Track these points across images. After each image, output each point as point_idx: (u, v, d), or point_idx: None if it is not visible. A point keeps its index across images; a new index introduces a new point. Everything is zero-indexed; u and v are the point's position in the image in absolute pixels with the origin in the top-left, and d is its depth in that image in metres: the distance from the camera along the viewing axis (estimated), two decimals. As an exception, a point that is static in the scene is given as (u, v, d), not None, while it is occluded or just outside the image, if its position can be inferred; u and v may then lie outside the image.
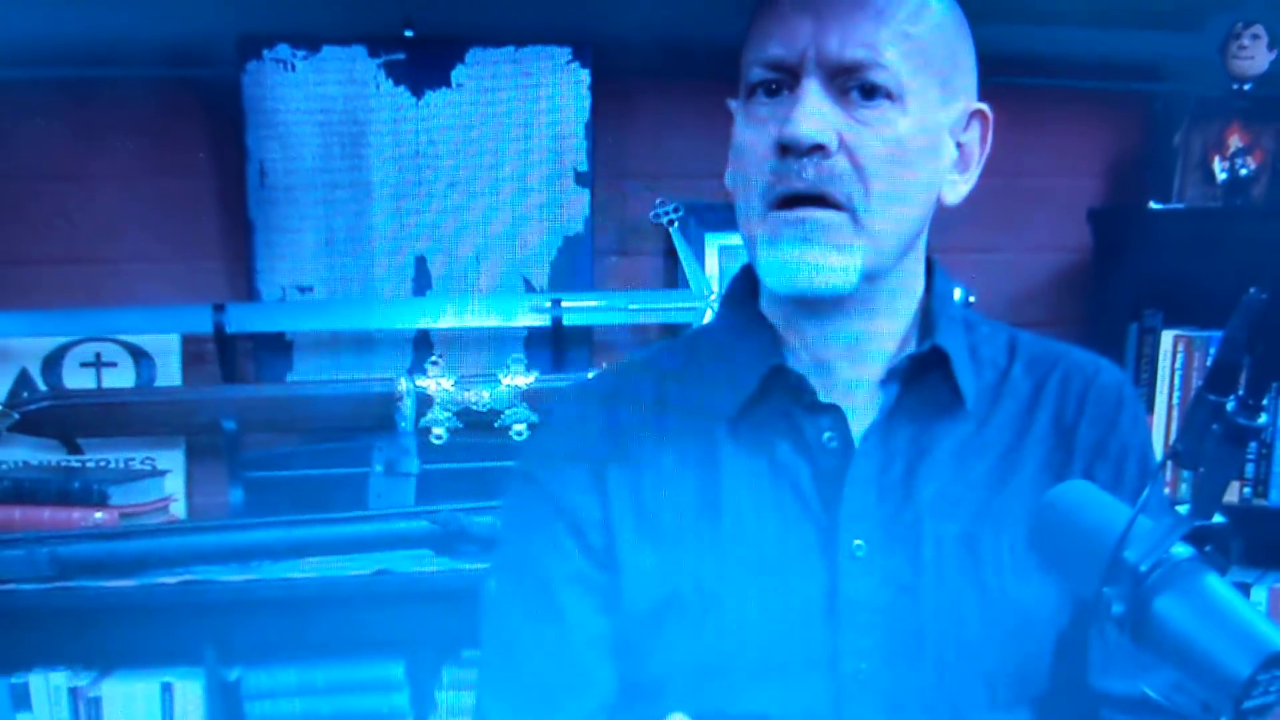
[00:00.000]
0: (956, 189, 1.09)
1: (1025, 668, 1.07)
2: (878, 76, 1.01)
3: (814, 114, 1.00)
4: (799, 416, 1.09)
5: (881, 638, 1.05)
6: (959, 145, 1.08)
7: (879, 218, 1.03)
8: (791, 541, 1.07)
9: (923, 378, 1.09)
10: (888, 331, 1.10)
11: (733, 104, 1.10)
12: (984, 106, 1.10)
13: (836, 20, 1.00)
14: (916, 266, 1.11)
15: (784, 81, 1.03)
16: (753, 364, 1.09)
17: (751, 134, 1.04)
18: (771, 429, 1.09)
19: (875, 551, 1.05)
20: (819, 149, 1.00)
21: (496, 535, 2.03)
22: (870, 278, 1.05)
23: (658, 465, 1.10)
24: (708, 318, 2.38)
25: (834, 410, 1.08)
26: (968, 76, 1.08)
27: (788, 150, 1.01)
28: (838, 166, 1.01)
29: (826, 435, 1.08)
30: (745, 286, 1.16)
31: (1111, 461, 1.10)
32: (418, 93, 2.34)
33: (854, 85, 1.01)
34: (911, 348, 1.10)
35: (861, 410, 1.09)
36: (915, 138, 1.03)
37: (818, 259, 1.02)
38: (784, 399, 1.09)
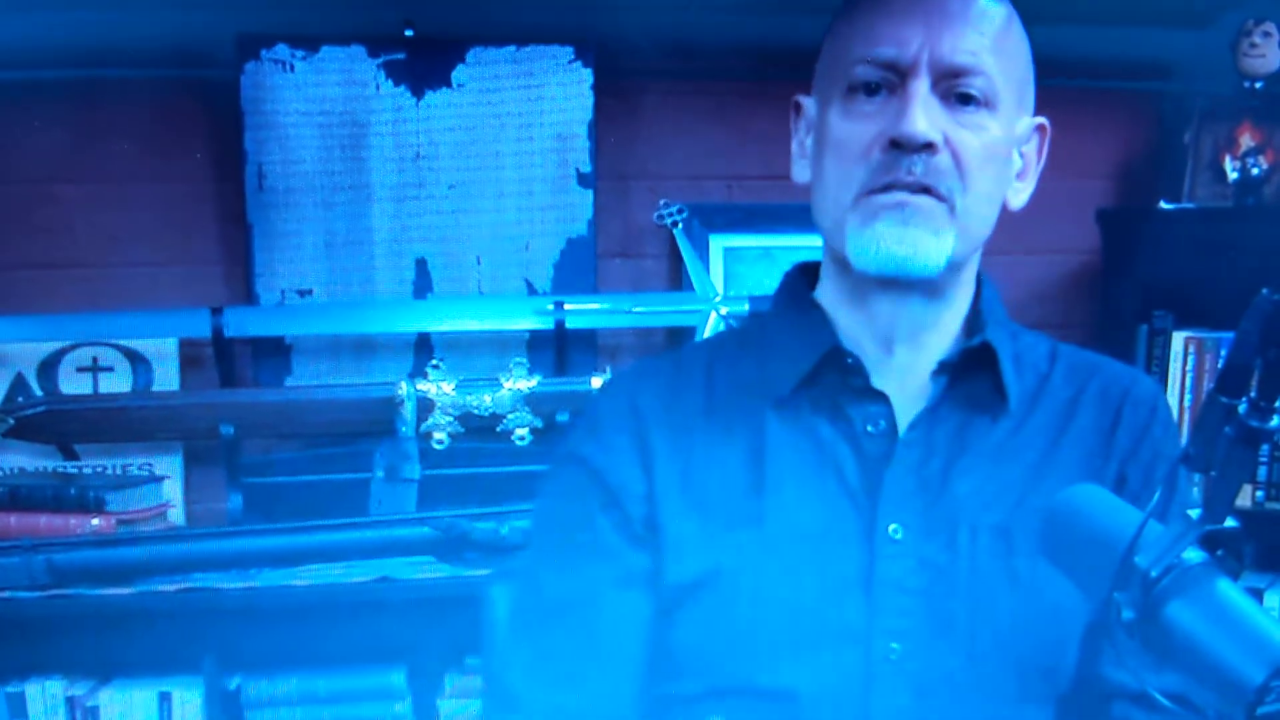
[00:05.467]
0: (1020, 195, 1.16)
1: (1054, 662, 1.09)
2: (979, 83, 1.07)
3: (926, 114, 1.05)
4: (847, 402, 1.13)
5: (915, 620, 1.07)
6: (1021, 155, 1.15)
7: (971, 212, 1.09)
8: (831, 522, 1.10)
9: (970, 374, 1.14)
10: (947, 324, 1.15)
11: (805, 100, 1.17)
12: (1044, 120, 1.16)
13: (946, 28, 1.06)
14: (975, 267, 1.17)
15: (889, 82, 1.07)
16: (808, 346, 1.14)
17: (852, 129, 1.09)
18: (819, 412, 1.13)
19: (912, 536, 1.09)
20: (929, 147, 1.06)
21: (502, 540, 2.03)
22: (952, 267, 1.10)
23: (705, 442, 1.14)
24: (712, 320, 2.38)
25: (882, 398, 1.13)
26: (1031, 91, 1.15)
27: (899, 146, 1.06)
28: (942, 164, 1.07)
29: (873, 422, 1.12)
30: (799, 281, 1.21)
31: (1143, 467, 1.14)
32: (418, 93, 2.34)
33: (957, 90, 1.07)
34: (962, 344, 1.15)
35: (909, 400, 1.13)
36: (1001, 142, 1.10)
37: (914, 240, 1.07)
38: (835, 383, 1.13)
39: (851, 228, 1.08)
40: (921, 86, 1.05)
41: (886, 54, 1.06)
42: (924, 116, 1.05)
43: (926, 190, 1.06)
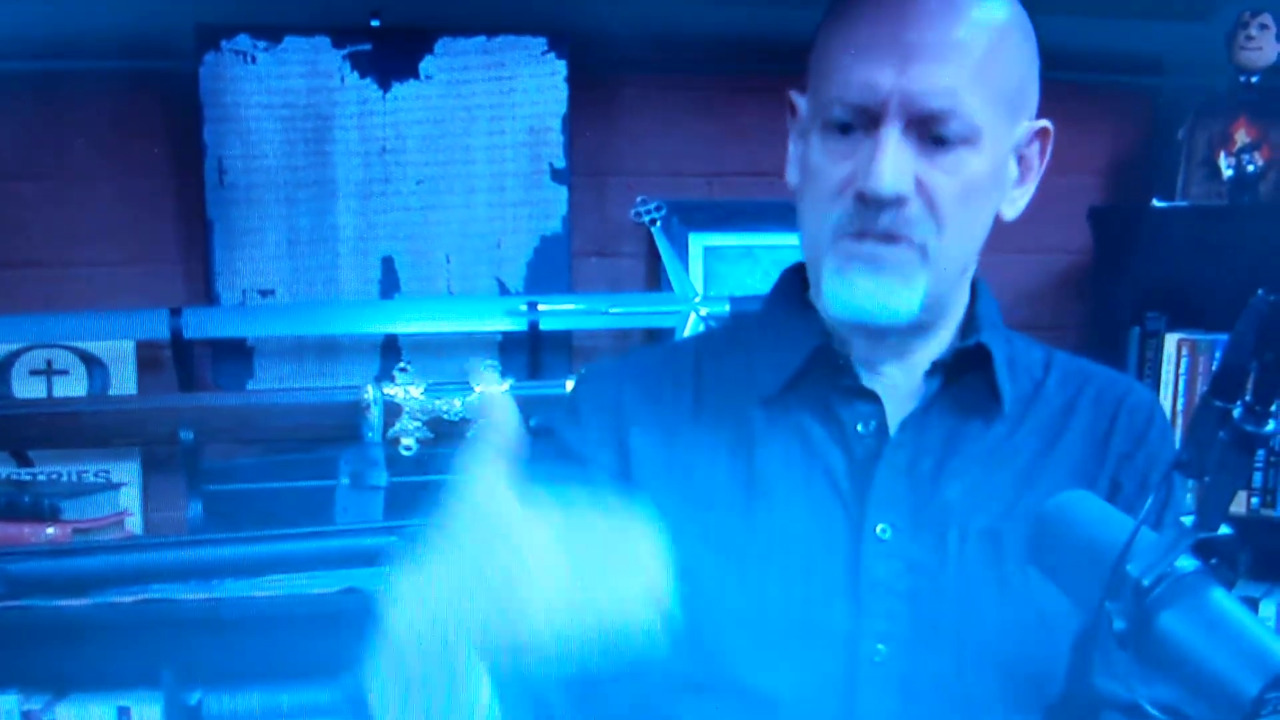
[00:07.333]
0: (1015, 205, 1.13)
1: (1042, 669, 1.08)
2: (957, 125, 1.04)
3: (894, 166, 1.03)
4: (838, 401, 1.13)
5: (902, 623, 1.07)
6: (1019, 161, 1.12)
7: (947, 253, 1.07)
8: (818, 522, 1.10)
9: (964, 376, 1.13)
10: (939, 336, 1.14)
11: (799, 100, 1.14)
12: (1046, 123, 1.12)
13: (921, 67, 1.02)
14: (967, 279, 1.16)
15: (861, 122, 1.05)
16: (798, 344, 1.13)
17: (826, 167, 1.08)
18: (808, 411, 1.13)
19: (900, 537, 1.09)
20: (897, 200, 1.04)
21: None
22: (930, 304, 1.09)
23: (691, 441, 1.14)
24: (691, 321, 2.37)
25: (873, 397, 1.12)
26: (1033, 94, 1.11)
27: (866, 201, 1.04)
28: (913, 213, 1.05)
29: (863, 422, 1.12)
30: (794, 281, 1.20)
31: (1138, 473, 1.13)
32: (384, 85, 2.33)
33: (932, 133, 1.04)
34: (956, 345, 1.15)
35: (900, 400, 1.13)
36: (986, 173, 1.07)
37: (885, 294, 1.07)
38: (824, 381, 1.13)
39: (827, 271, 1.08)
40: (891, 134, 1.03)
41: (856, 98, 1.04)
42: (892, 169, 1.03)
43: (898, 239, 1.06)
